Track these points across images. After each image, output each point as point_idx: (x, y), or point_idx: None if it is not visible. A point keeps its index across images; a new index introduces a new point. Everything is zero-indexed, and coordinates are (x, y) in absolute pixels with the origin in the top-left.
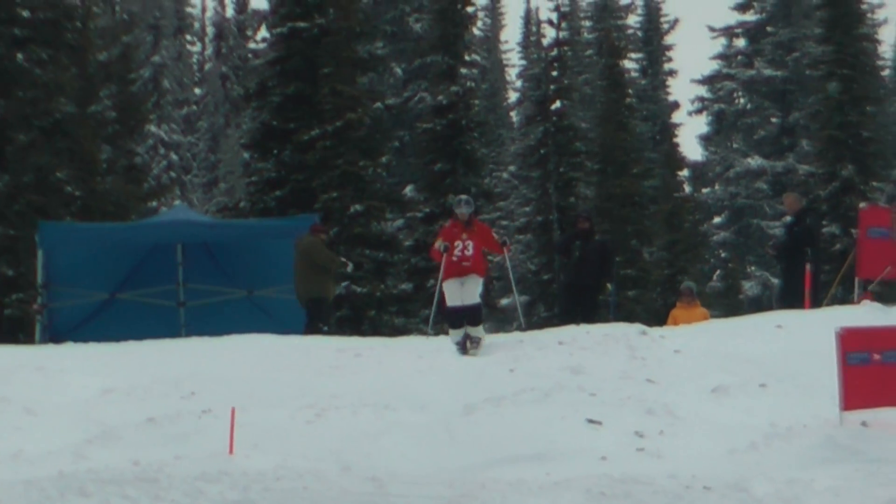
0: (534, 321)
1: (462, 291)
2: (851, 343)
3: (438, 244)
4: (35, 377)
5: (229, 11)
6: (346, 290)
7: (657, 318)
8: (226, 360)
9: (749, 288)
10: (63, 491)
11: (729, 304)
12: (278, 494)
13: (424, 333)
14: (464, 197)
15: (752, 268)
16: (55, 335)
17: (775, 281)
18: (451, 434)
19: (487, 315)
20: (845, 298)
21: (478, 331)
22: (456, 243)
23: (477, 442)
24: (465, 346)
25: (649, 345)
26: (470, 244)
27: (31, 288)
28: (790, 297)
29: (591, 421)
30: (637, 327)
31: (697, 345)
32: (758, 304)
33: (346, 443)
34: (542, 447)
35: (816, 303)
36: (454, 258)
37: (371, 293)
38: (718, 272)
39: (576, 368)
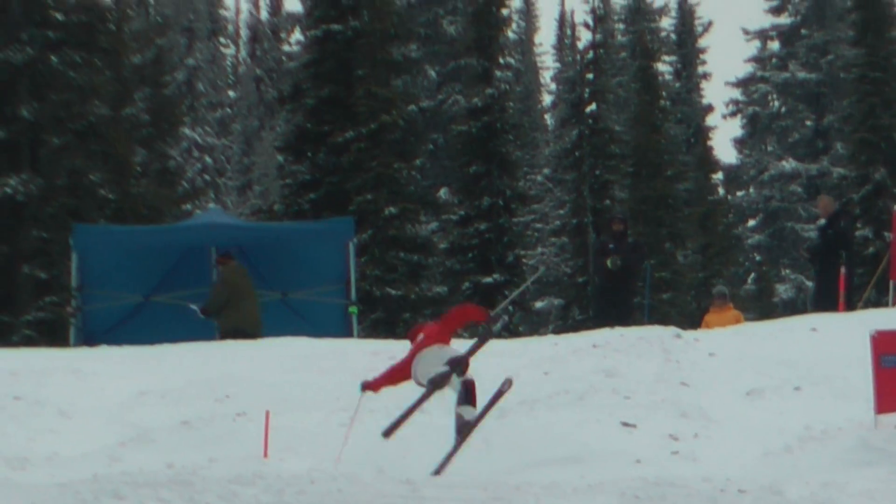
0: (568, 324)
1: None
2: (885, 346)
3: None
4: (69, 380)
5: (263, 14)
6: (381, 292)
7: (691, 320)
8: (260, 363)
9: (783, 291)
10: (97, 494)
11: (763, 306)
12: (313, 497)
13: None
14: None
15: (786, 271)
16: (89, 338)
17: (809, 284)
18: (485, 437)
19: (521, 318)
20: (879, 301)
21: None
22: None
23: (511, 445)
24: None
25: (684, 348)
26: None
27: (66, 291)
28: (824, 300)
29: (625, 424)
30: (671, 330)
31: (732, 348)
32: (792, 307)
33: (380, 446)
34: (576, 450)
35: (850, 305)
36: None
37: (405, 296)
38: (752, 275)
39: (610, 371)
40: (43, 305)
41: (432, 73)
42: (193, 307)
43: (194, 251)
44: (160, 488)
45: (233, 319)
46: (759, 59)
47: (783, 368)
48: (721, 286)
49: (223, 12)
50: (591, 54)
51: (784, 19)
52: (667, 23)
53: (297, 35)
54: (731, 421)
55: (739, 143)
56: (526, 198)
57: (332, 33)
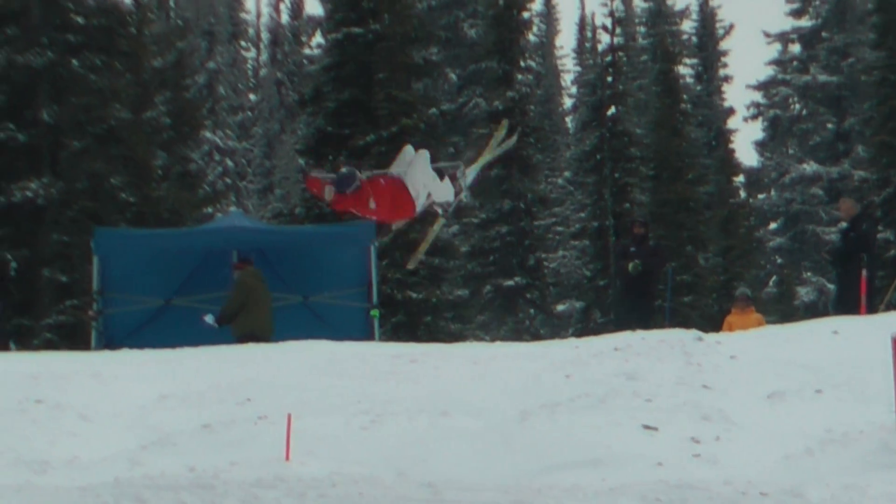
0: (589, 327)
1: None
2: None
3: None
4: (90, 383)
5: (284, 17)
6: (403, 295)
7: (712, 323)
8: (281, 367)
9: (804, 294)
10: (118, 497)
11: (784, 309)
12: (334, 500)
13: (480, 339)
14: None
15: (808, 273)
16: (110, 341)
17: (831, 287)
18: (506, 440)
19: (542, 321)
20: None
21: None
22: None
23: (532, 448)
24: None
25: (705, 351)
26: None
27: (86, 294)
28: (846, 303)
29: (646, 427)
30: (693, 333)
31: (753, 351)
32: (813, 310)
33: (401, 449)
34: (598, 453)
35: (872, 308)
36: None
37: (427, 299)
38: (774, 278)
39: (631, 374)
40: (64, 309)
41: (453, 77)
42: (209, 321)
43: (215, 254)
44: (181, 492)
45: (247, 325)
46: (780, 62)
47: (804, 371)
48: (744, 288)
49: (244, 15)
50: (609, 57)
51: (805, 22)
52: (688, 26)
53: (317, 38)
54: (753, 424)
55: (760, 146)
56: (547, 201)
57: (352, 36)
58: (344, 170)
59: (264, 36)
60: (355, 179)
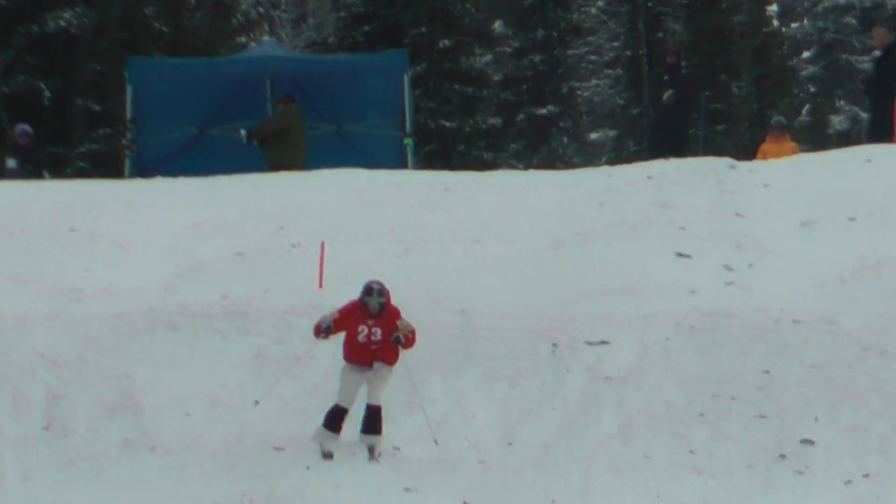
0: (622, 155)
1: (367, 385)
2: None
3: (328, 318)
4: (124, 212)
5: None
6: (436, 124)
7: (746, 152)
8: (315, 195)
9: (838, 122)
10: (153, 325)
11: (817, 138)
12: None
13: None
14: (376, 286)
15: (841, 102)
16: (144, 170)
17: (864, 115)
18: (539, 268)
19: (575, 150)
20: None
21: (374, 440)
22: (360, 327)
23: (565, 276)
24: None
25: (738, 179)
26: (378, 331)
27: (120, 123)
28: (879, 131)
29: (679, 255)
30: (726, 161)
31: (786, 179)
32: (846, 139)
33: (434, 277)
34: (631, 281)
35: None
36: (359, 342)
37: (460, 128)
38: (807, 107)
39: (664, 202)
40: (97, 138)
41: None
42: (242, 131)
43: (249, 84)
44: (215, 319)
45: (281, 156)
46: None
47: (838, 199)
48: (779, 116)
49: None
50: None
51: None
52: None
53: None
54: (786, 252)
55: None
56: (580, 30)
57: None
58: None
59: None
60: None
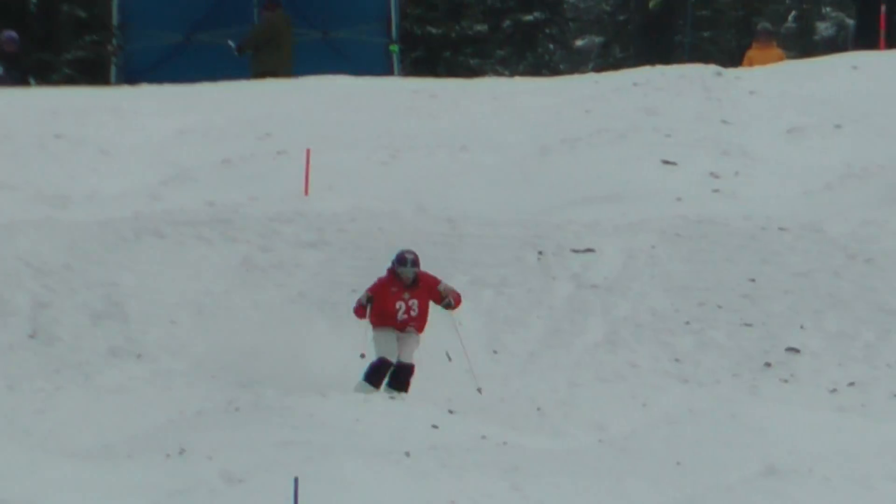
0: (609, 62)
1: (398, 345)
2: None
3: (363, 297)
4: (110, 118)
5: None
6: (422, 30)
7: (732, 59)
8: (300, 102)
9: (824, 29)
10: (138, 232)
11: (803, 45)
12: (353, 235)
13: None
14: (409, 256)
15: (827, 8)
16: (130, 76)
17: (850, 22)
18: (525, 175)
19: (562, 56)
20: None
21: (399, 396)
22: (397, 304)
23: (552, 183)
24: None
25: (724, 86)
26: (415, 303)
27: (106, 29)
28: (865, 38)
29: (666, 162)
30: (712, 68)
31: (772, 86)
32: (833, 45)
33: (420, 184)
34: (617, 188)
35: (891, 43)
36: (398, 320)
37: (446, 34)
38: (793, 13)
39: (651, 109)
40: (83, 44)
41: None
42: (231, 43)
43: None
44: (201, 226)
45: (267, 63)
46: None
47: (824, 106)
48: (766, 23)
49: None
50: None
51: None
52: None
53: None
54: (772, 159)
55: None
56: None
57: None
58: None
59: None
60: None
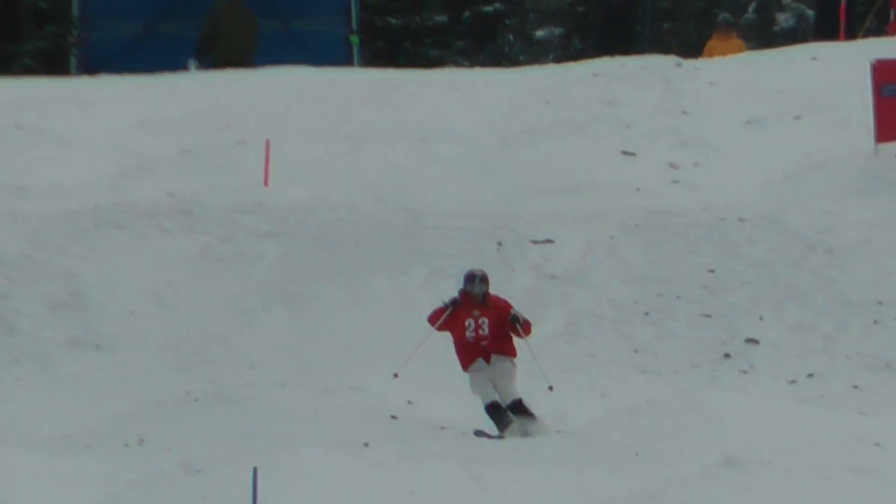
0: (569, 53)
1: (495, 381)
2: (886, 75)
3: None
4: (70, 109)
5: None
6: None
7: (692, 50)
8: (260, 92)
9: (784, 20)
10: (98, 223)
11: (763, 36)
12: (313, 226)
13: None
14: (478, 272)
15: None
16: (90, 67)
17: (810, 13)
18: (485, 166)
19: (522, 47)
20: (880, 30)
21: (533, 425)
22: (467, 322)
23: (512, 174)
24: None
25: (684, 77)
26: (485, 321)
27: (67, 20)
28: (825, 29)
29: (625, 152)
30: (672, 59)
31: (732, 77)
32: (793, 37)
33: (381, 175)
34: (577, 179)
35: (851, 34)
36: (468, 339)
37: (406, 25)
38: (753, 3)
39: (611, 100)
40: (44, 35)
41: None
42: (192, 67)
43: None
44: (161, 217)
45: (221, 52)
46: None
47: (784, 97)
48: (726, 14)
49: None
50: None
51: None
52: None
53: None
54: (732, 150)
55: None
56: None
57: None
58: None
59: None
60: None
